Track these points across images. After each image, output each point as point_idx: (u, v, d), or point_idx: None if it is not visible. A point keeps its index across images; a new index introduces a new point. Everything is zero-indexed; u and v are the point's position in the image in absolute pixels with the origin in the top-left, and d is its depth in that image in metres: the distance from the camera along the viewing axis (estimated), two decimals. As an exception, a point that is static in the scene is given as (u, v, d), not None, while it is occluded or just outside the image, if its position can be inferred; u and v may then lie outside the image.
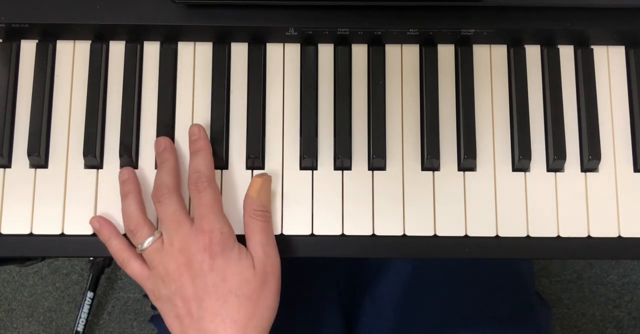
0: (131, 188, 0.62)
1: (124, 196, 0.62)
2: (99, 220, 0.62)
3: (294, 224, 0.63)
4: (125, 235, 0.63)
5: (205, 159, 0.62)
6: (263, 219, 0.61)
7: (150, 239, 0.60)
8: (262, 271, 0.59)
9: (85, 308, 1.40)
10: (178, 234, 0.59)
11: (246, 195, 0.61)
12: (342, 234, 0.63)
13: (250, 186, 0.62)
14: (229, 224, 0.60)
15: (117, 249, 0.62)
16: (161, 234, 0.60)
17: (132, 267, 0.61)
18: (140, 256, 0.61)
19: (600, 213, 0.64)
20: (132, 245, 0.62)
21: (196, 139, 0.63)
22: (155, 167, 0.64)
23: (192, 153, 0.62)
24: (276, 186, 0.64)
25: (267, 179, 0.62)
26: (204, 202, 0.60)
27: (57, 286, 1.48)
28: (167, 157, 0.62)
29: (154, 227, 0.61)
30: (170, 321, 0.59)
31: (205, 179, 0.60)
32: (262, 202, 0.61)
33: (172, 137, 0.64)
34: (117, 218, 0.63)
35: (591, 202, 0.64)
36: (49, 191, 0.63)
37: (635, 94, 0.66)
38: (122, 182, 0.62)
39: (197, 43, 0.66)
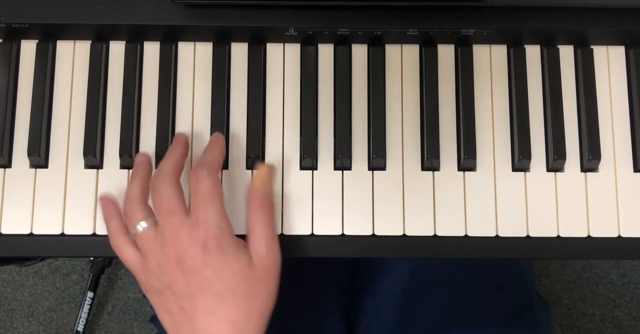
0: (139, 172, 0.60)
1: (131, 178, 0.61)
2: (107, 198, 0.61)
3: (294, 224, 0.63)
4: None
5: (214, 153, 0.60)
6: (267, 210, 0.59)
7: (143, 223, 0.57)
8: (263, 267, 0.57)
9: (85, 308, 1.40)
10: (170, 224, 0.56)
11: (252, 185, 0.60)
12: (342, 234, 0.63)
13: (256, 175, 0.61)
14: (227, 219, 0.57)
15: (114, 231, 0.59)
16: (157, 223, 0.58)
17: (126, 253, 0.59)
18: (135, 243, 0.59)
19: (600, 213, 0.64)
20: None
21: (214, 141, 0.62)
22: (156, 167, 0.64)
23: (204, 150, 0.61)
24: (276, 186, 0.64)
25: (272, 168, 0.62)
26: (200, 191, 0.57)
27: (57, 286, 1.48)
28: (175, 148, 0.61)
29: (152, 214, 0.58)
30: (162, 316, 0.57)
31: (206, 169, 0.58)
32: (267, 191, 0.60)
33: (172, 138, 0.64)
34: (117, 218, 0.63)
35: (591, 202, 0.64)
36: (49, 191, 0.63)
37: (635, 94, 0.66)
38: (135, 165, 0.61)
39: (197, 43, 0.66)
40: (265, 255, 0.58)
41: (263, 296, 0.57)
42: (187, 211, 0.57)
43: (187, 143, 0.62)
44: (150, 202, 0.60)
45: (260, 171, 0.61)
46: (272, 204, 0.60)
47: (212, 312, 0.55)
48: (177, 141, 0.62)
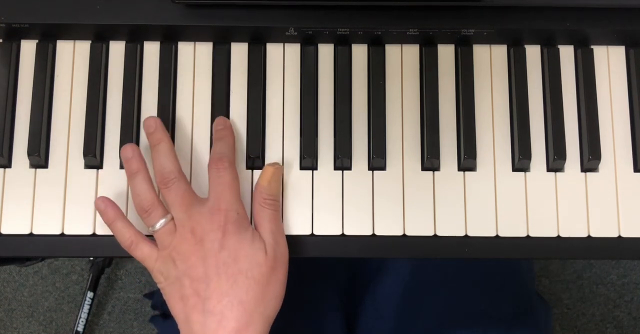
0: (139, 166, 0.61)
1: (132, 174, 0.61)
2: (104, 201, 0.61)
3: (294, 224, 0.63)
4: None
5: (229, 144, 0.62)
6: (273, 208, 0.61)
7: (163, 221, 0.59)
8: (273, 257, 0.59)
9: (85, 308, 1.40)
10: (191, 217, 0.59)
11: (257, 184, 0.62)
12: (342, 234, 0.63)
13: (261, 174, 0.62)
14: (244, 207, 0.60)
15: (125, 231, 0.60)
16: (172, 217, 0.60)
17: (143, 249, 0.60)
18: (148, 238, 0.61)
19: (600, 213, 0.64)
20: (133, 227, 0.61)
21: (221, 129, 0.63)
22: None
23: (216, 139, 0.63)
24: (276, 186, 0.64)
25: (279, 168, 0.62)
26: (222, 182, 0.60)
27: (57, 286, 1.48)
28: (159, 137, 0.62)
29: (165, 208, 0.60)
30: (174, 303, 0.58)
31: (227, 160, 0.60)
32: (273, 191, 0.61)
33: (172, 137, 0.64)
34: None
35: (591, 202, 0.64)
36: (49, 191, 0.63)
37: (635, 94, 0.66)
38: (128, 160, 0.61)
39: (197, 43, 0.66)
40: (274, 246, 0.59)
41: (273, 286, 0.59)
42: (201, 199, 0.60)
43: (164, 127, 0.63)
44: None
45: (266, 170, 0.62)
46: (276, 202, 0.61)
47: (225, 293, 0.57)
48: (156, 129, 0.62)
